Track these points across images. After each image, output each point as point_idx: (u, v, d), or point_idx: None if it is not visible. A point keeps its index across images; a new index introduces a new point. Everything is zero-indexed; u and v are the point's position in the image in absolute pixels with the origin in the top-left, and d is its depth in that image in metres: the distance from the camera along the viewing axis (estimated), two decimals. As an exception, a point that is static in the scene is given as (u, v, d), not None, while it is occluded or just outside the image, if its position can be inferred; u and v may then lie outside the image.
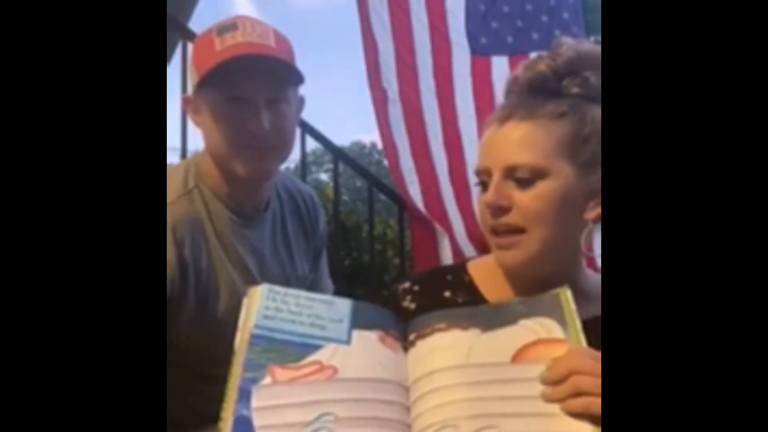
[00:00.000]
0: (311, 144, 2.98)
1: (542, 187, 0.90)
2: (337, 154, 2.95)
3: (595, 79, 0.94)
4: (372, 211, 3.16)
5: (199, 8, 4.45)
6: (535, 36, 3.26)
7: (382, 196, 3.21)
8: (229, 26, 1.22)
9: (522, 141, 0.91)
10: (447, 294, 1.01)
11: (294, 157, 2.01)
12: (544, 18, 3.30)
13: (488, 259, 1.00)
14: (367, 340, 0.85)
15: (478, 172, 0.95)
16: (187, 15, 4.29)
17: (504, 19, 3.28)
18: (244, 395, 0.77)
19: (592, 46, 0.97)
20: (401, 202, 3.04)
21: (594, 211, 0.92)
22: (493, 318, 0.86)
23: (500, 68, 3.10)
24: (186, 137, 2.42)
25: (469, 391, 0.79)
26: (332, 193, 3.55)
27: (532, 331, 0.83)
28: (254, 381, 0.78)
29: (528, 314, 0.85)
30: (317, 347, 0.82)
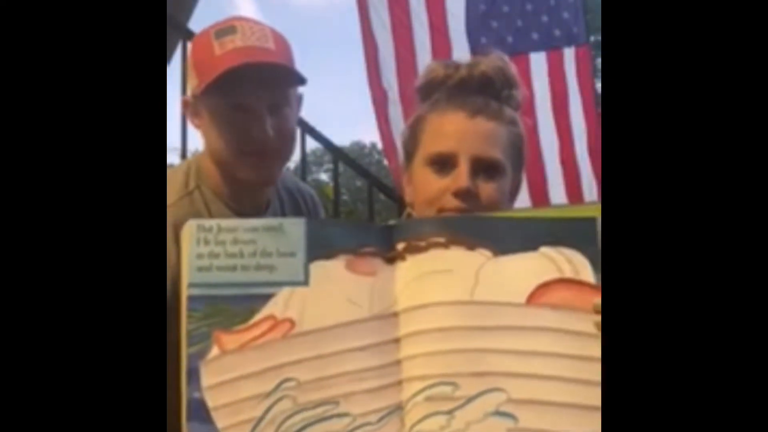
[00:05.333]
0: (311, 144, 2.98)
1: (501, 182, 0.94)
2: (337, 154, 2.95)
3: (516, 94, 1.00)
4: (372, 211, 3.16)
5: (199, 8, 4.44)
6: (535, 36, 3.26)
7: (382, 196, 3.21)
8: (227, 29, 1.21)
9: (490, 137, 0.94)
10: None
11: (294, 157, 2.00)
12: (544, 18, 3.30)
13: None
14: (330, 272, 0.71)
15: (441, 155, 0.94)
16: (187, 15, 4.28)
17: (504, 19, 3.28)
18: (193, 374, 0.68)
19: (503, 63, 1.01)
20: (401, 202, 3.03)
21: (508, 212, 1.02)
22: (508, 235, 0.70)
23: (500, 68, 3.10)
24: (186, 137, 2.42)
25: (471, 340, 0.68)
26: (332, 193, 3.54)
27: (555, 264, 0.69)
28: (200, 355, 0.68)
29: (553, 239, 0.70)
30: (268, 297, 0.69)
